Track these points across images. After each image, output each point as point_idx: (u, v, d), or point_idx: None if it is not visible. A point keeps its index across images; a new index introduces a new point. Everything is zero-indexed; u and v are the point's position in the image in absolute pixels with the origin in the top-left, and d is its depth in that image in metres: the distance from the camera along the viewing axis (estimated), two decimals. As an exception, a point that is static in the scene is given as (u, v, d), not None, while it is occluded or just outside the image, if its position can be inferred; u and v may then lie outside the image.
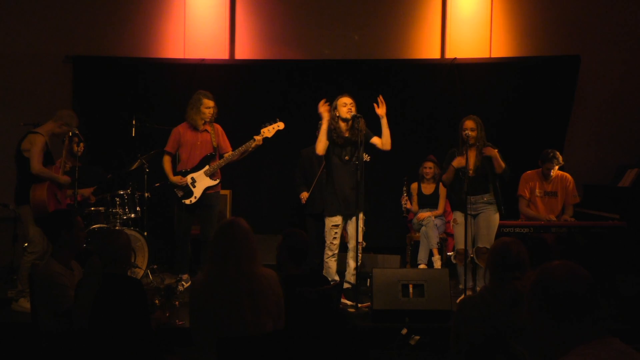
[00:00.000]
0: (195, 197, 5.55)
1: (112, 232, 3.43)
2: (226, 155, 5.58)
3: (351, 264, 5.23)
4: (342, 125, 5.14)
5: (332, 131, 5.11)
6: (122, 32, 7.17)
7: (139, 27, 7.20)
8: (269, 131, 5.54)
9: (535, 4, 7.10)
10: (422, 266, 5.91)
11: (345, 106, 5.09)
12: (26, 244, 5.09)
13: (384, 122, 5.14)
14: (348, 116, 5.07)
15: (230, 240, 2.91)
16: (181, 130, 5.63)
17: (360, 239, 5.14)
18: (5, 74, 7.04)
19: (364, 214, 5.19)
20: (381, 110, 5.11)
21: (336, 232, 5.18)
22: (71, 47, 7.05)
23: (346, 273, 5.31)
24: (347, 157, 5.12)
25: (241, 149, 5.51)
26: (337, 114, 5.12)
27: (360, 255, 5.18)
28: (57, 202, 5.12)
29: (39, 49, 7.02)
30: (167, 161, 5.64)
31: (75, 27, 7.11)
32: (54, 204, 5.06)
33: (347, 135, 5.12)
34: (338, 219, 5.18)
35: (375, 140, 5.18)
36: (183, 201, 5.55)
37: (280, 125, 5.56)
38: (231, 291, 2.83)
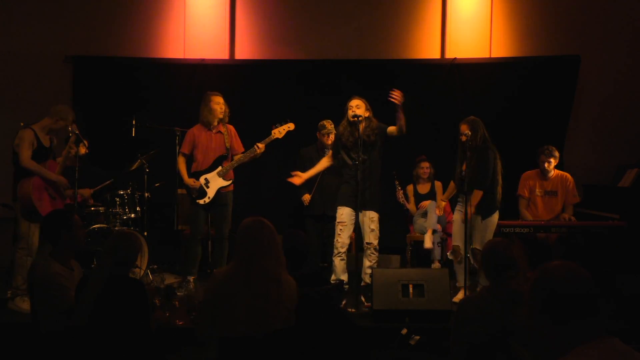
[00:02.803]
0: (209, 197, 5.59)
1: (129, 234, 3.42)
2: (236, 157, 5.64)
3: (365, 262, 5.21)
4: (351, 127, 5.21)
5: (342, 134, 5.24)
6: (122, 32, 7.16)
7: (139, 27, 7.19)
8: (279, 132, 5.60)
9: (535, 4, 7.09)
10: (436, 265, 5.89)
11: (350, 109, 5.18)
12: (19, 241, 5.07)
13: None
14: (349, 119, 5.16)
15: (259, 241, 2.92)
16: (195, 132, 5.67)
17: (371, 240, 5.15)
18: (5, 74, 7.02)
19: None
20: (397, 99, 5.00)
21: (341, 229, 5.18)
22: (71, 47, 7.04)
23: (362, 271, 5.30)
24: (354, 156, 5.13)
25: (248, 153, 5.58)
26: (346, 117, 5.24)
27: (374, 255, 5.18)
28: (51, 199, 5.08)
29: (39, 49, 7.01)
30: (181, 162, 5.67)
31: (75, 27, 7.10)
32: (48, 201, 5.01)
33: (357, 135, 5.12)
34: (344, 216, 5.19)
35: (391, 129, 5.20)
36: (197, 201, 5.58)
37: (290, 126, 5.63)
38: (251, 291, 2.84)
